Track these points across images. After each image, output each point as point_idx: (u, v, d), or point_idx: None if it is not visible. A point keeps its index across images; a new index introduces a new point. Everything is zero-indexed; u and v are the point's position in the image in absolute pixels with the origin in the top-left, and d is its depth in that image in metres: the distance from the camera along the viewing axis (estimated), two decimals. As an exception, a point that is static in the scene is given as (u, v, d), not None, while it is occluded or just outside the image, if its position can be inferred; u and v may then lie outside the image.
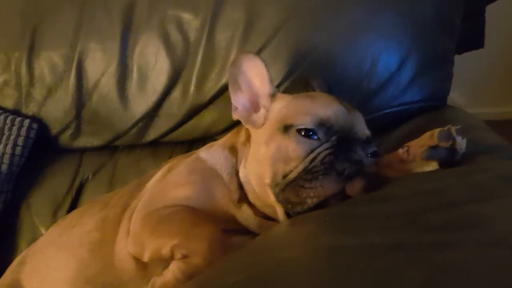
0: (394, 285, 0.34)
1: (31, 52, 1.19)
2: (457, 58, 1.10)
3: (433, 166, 0.65)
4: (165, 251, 0.66)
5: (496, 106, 2.66)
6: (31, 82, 1.20)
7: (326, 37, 0.99)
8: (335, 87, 0.95)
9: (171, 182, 0.78)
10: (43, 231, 1.13)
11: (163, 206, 0.72)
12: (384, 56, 0.98)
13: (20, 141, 1.17)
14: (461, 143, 0.64)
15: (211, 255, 0.62)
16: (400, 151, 0.69)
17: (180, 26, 1.09)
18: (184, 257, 0.64)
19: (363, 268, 0.38)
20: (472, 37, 1.25)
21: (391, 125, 1.00)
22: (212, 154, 0.80)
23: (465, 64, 1.57)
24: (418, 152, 0.66)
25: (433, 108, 1.01)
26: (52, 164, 1.24)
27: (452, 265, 0.36)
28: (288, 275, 0.41)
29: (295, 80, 0.99)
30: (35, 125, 1.20)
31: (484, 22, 1.27)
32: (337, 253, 0.42)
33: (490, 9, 1.28)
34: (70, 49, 1.16)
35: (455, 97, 1.16)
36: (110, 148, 1.24)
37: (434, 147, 0.65)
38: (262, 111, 0.76)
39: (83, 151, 1.25)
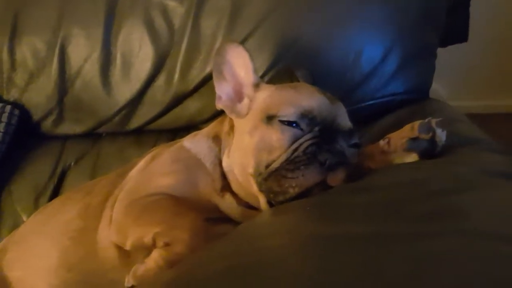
0: (376, 274, 0.35)
1: (13, 37, 1.17)
2: (441, 50, 1.11)
3: (413, 157, 0.66)
4: (148, 239, 0.66)
5: (478, 100, 2.69)
6: (12, 68, 1.19)
7: (311, 28, 0.99)
8: (319, 78, 0.96)
9: (155, 171, 0.78)
10: (24, 218, 1.12)
11: (146, 194, 0.72)
12: (368, 48, 0.99)
13: (1, 127, 1.16)
14: (441, 135, 0.65)
15: (194, 243, 0.62)
16: (381, 142, 0.70)
17: (165, 13, 1.08)
18: (166, 245, 0.64)
19: (345, 257, 0.38)
20: (456, 30, 1.26)
21: (374, 116, 1.01)
22: (195, 143, 0.80)
23: (448, 57, 1.59)
24: (398, 144, 0.67)
25: (415, 101, 1.02)
26: (34, 151, 1.23)
27: (433, 255, 0.36)
28: (271, 263, 0.42)
29: (280, 71, 0.99)
30: (16, 111, 1.19)
31: (468, 15, 1.28)
32: (320, 242, 0.43)
33: (474, 3, 1.29)
34: (53, 34, 1.15)
35: (438, 89, 1.17)
36: (93, 136, 1.23)
37: (414, 139, 0.66)
38: (246, 100, 0.76)
39: (66, 138, 1.24)
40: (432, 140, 0.65)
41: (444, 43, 1.18)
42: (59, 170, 1.19)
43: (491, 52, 2.59)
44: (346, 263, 0.38)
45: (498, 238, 0.38)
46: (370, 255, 0.38)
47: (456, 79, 2.58)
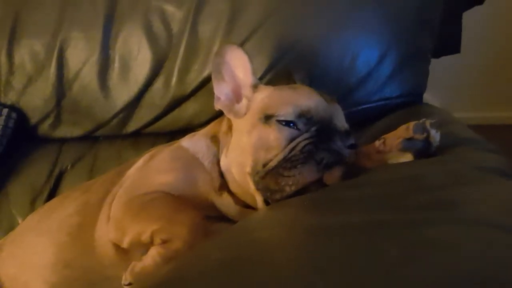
0: (371, 259, 0.36)
1: (12, 39, 1.17)
2: (434, 61, 1.12)
3: (408, 157, 0.67)
4: (145, 236, 0.67)
5: (470, 111, 2.71)
6: (10, 70, 1.19)
7: (308, 31, 1.00)
8: (316, 81, 0.97)
9: (153, 169, 0.79)
10: (20, 221, 1.12)
11: (144, 192, 0.73)
12: (364, 51, 1.00)
13: (-2, 130, 1.16)
14: (435, 135, 0.67)
15: (192, 240, 0.63)
16: (377, 142, 0.71)
17: (164, 17, 1.09)
18: (164, 242, 0.64)
19: (341, 244, 0.39)
20: (449, 42, 1.28)
21: (369, 120, 1.02)
22: (194, 143, 0.81)
23: (441, 69, 1.61)
24: (394, 144, 0.68)
25: (410, 104, 1.04)
26: (31, 153, 1.23)
27: (428, 241, 0.37)
28: (267, 253, 0.42)
29: (277, 74, 1.01)
30: (14, 114, 1.19)
31: (461, 28, 1.31)
32: (315, 231, 0.44)
33: (467, 14, 1.32)
34: (51, 37, 1.15)
35: (431, 100, 1.19)
36: (90, 139, 1.24)
37: (409, 139, 0.67)
38: (244, 101, 0.77)
39: (63, 141, 1.24)
40: (427, 140, 0.66)
41: (437, 54, 1.20)
42: (55, 173, 1.19)
43: (484, 64, 2.61)
44: (342, 249, 0.38)
45: (490, 226, 0.39)
46: (366, 241, 0.38)
47: (449, 91, 2.60)
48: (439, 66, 1.31)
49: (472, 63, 2.54)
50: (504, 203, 0.46)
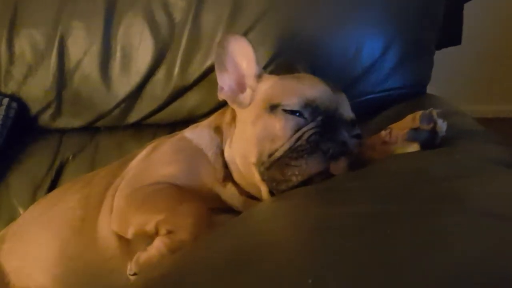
0: (382, 250, 0.35)
1: (12, 29, 1.16)
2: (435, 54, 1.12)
3: (414, 147, 0.66)
4: (150, 227, 0.66)
5: (472, 104, 2.70)
6: (10, 60, 1.18)
7: (311, 22, 0.99)
8: (319, 72, 0.95)
9: (156, 161, 0.78)
10: (21, 212, 1.12)
11: (148, 183, 0.72)
12: (368, 42, 0.99)
13: (-2, 120, 1.15)
14: (442, 125, 0.66)
15: (196, 230, 0.63)
16: (383, 133, 0.70)
17: (166, 6, 1.08)
18: (169, 232, 0.64)
19: (349, 235, 0.39)
20: (450, 33, 1.27)
21: (373, 111, 1.01)
22: (197, 134, 0.81)
23: (441, 61, 1.60)
24: (400, 134, 0.67)
25: (414, 95, 1.03)
26: (31, 144, 1.22)
27: (439, 231, 0.37)
28: (271, 245, 0.42)
29: (280, 64, 1.00)
30: (14, 104, 1.18)
31: (462, 19, 1.30)
32: (323, 221, 0.43)
33: (468, 7, 1.31)
34: (52, 27, 1.14)
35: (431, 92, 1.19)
36: (91, 129, 1.23)
37: (416, 129, 0.66)
38: (248, 91, 0.76)
39: (64, 132, 1.24)
40: (433, 130, 0.65)
41: (438, 46, 1.19)
42: (57, 164, 1.18)
43: (485, 57, 2.60)
44: (350, 240, 0.38)
45: (501, 217, 0.39)
46: (379, 231, 0.38)
47: (449, 83, 2.59)
48: (439, 58, 1.30)
49: (473, 56, 2.53)
50: (510, 195, 0.45)
